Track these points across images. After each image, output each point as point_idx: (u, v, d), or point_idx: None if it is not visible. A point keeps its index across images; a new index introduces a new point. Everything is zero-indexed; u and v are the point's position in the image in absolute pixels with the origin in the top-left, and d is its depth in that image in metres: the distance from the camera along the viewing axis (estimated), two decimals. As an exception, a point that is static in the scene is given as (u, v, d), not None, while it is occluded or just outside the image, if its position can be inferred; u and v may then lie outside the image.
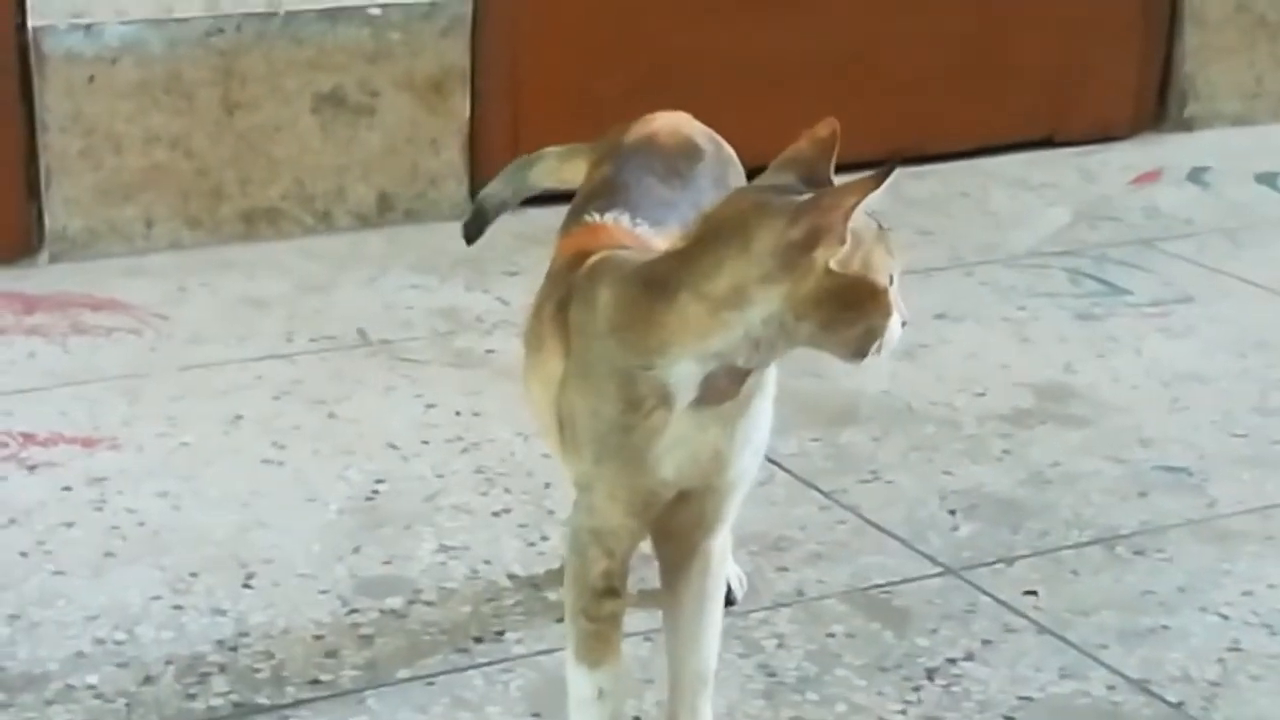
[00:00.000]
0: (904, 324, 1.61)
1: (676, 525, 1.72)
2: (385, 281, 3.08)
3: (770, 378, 1.68)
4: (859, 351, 1.59)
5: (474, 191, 3.38)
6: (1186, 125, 4.04)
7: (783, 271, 1.56)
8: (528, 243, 2.92)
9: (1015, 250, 3.31)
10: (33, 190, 3.08)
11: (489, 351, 2.80)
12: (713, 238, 1.60)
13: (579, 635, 1.71)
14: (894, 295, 1.60)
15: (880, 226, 1.60)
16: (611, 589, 1.69)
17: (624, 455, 1.63)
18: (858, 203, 1.54)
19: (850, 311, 1.57)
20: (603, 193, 1.86)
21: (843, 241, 1.55)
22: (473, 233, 2.18)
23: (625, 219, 1.81)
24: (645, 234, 1.79)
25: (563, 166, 2.08)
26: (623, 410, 1.62)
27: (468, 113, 3.34)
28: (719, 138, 2.00)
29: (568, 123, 3.39)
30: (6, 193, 3.07)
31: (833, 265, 1.55)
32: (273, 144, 3.21)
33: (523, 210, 3.27)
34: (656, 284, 1.62)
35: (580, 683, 1.71)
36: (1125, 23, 3.94)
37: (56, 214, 3.09)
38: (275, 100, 3.19)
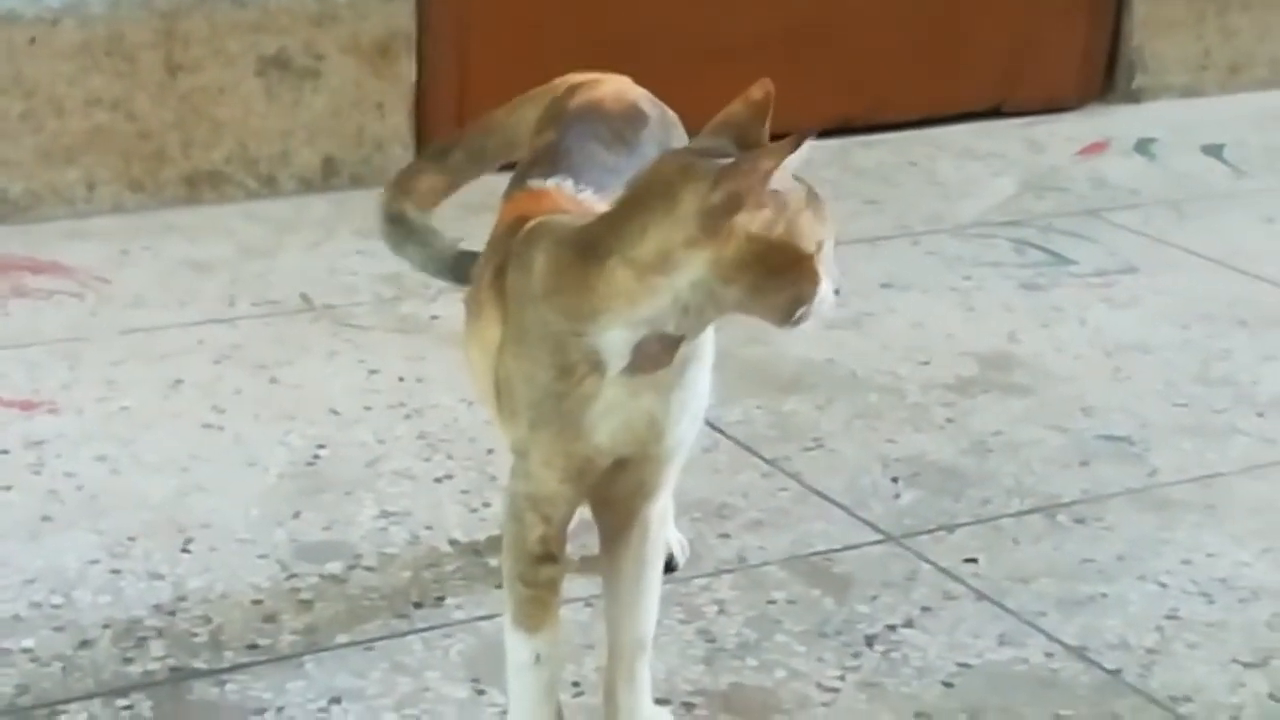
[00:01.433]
0: (836, 291, 1.60)
1: (615, 493, 1.71)
2: (329, 247, 3.06)
3: (707, 345, 1.67)
4: (788, 318, 1.58)
5: (420, 156, 3.38)
6: (1134, 97, 4.05)
7: (706, 236, 1.55)
8: (475, 210, 2.86)
9: (962, 220, 3.31)
10: (-28, 152, 3.06)
11: (433, 318, 2.78)
12: (639, 202, 1.59)
13: (517, 600, 1.70)
14: (823, 261, 1.59)
15: (811, 192, 1.59)
16: (549, 554, 1.68)
17: (558, 422, 1.62)
18: (774, 166, 1.53)
19: (775, 277, 1.56)
20: (546, 158, 1.84)
21: (763, 206, 1.54)
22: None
23: (569, 184, 1.79)
24: (589, 200, 1.78)
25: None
26: (555, 376, 1.61)
27: (414, 77, 3.32)
28: (663, 104, 1.99)
29: (515, 86, 3.38)
30: (-54, 154, 3.04)
31: (755, 230, 1.55)
32: (216, 107, 3.18)
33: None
34: (588, 248, 1.61)
35: (518, 648, 1.70)
36: (1074, -7, 3.94)
37: (-3, 176, 3.07)
38: (218, 63, 3.16)
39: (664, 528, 1.78)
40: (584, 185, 1.80)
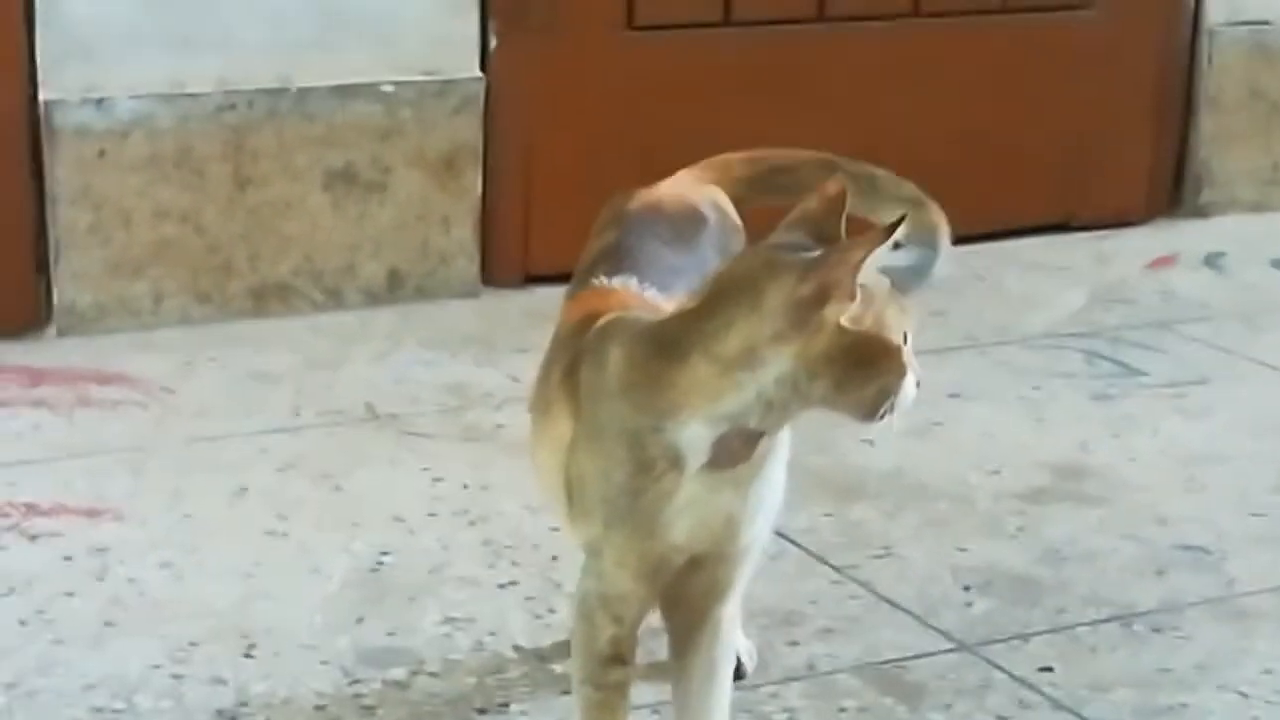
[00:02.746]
0: (918, 384, 1.59)
1: (687, 592, 1.68)
2: (394, 357, 3.06)
3: (784, 441, 1.65)
4: (872, 411, 1.56)
5: (485, 269, 3.39)
6: (1202, 211, 4.02)
7: (794, 329, 1.53)
8: (538, 319, 2.88)
9: (1030, 331, 3.29)
10: (41, 264, 3.07)
11: (498, 426, 2.77)
12: (723, 297, 1.58)
13: (585, 704, 1.68)
14: (907, 354, 1.57)
15: (892, 285, 1.58)
16: (619, 656, 1.66)
17: (634, 519, 1.60)
18: (866, 256, 1.51)
19: (863, 369, 1.55)
20: (609, 257, 1.84)
21: (853, 297, 1.52)
22: None
23: (633, 283, 1.79)
24: (653, 298, 1.77)
25: None
26: (633, 473, 1.59)
27: (479, 190, 3.33)
28: (724, 204, 1.99)
29: (579, 201, 3.38)
30: (15, 266, 3.06)
31: (844, 322, 1.53)
32: (283, 220, 3.20)
33: (532, 288, 3.32)
34: (667, 344, 1.59)
35: None
36: (1140, 108, 3.93)
37: (65, 288, 3.08)
38: (286, 176, 3.18)
39: (734, 631, 1.75)
40: (648, 284, 1.79)
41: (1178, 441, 2.79)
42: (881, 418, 1.57)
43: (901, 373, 1.56)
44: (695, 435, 1.57)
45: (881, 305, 1.55)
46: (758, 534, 1.65)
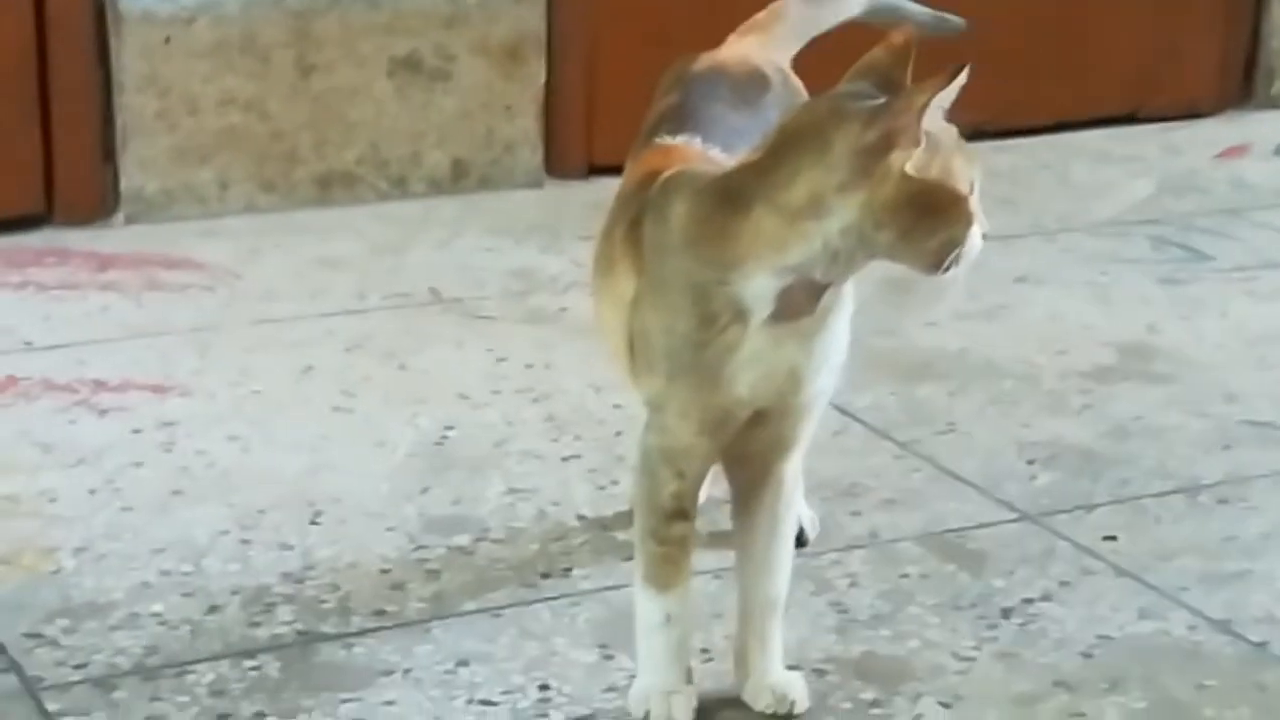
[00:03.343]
0: (984, 235, 1.58)
1: (750, 448, 1.69)
2: (459, 244, 3.06)
3: (848, 294, 1.64)
4: (938, 262, 1.55)
5: (549, 159, 3.38)
6: (1274, 102, 3.96)
7: (859, 177, 1.53)
8: (602, 209, 2.86)
9: (1098, 219, 3.26)
10: (108, 152, 3.09)
11: (562, 310, 2.77)
12: (787, 146, 1.57)
13: (648, 558, 1.68)
14: (973, 203, 1.56)
15: (959, 135, 1.57)
16: (682, 510, 1.66)
17: (698, 372, 1.60)
18: (929, 100, 1.50)
19: (930, 218, 1.54)
20: (673, 117, 1.83)
21: (918, 144, 1.51)
22: None
23: (697, 141, 1.78)
24: (717, 157, 1.76)
25: None
26: (697, 326, 1.59)
27: (543, 79, 3.32)
28: (787, 69, 1.98)
29: (643, 91, 3.36)
30: (83, 154, 3.07)
31: (910, 170, 1.52)
32: (348, 108, 3.20)
33: (596, 178, 3.31)
34: (731, 196, 1.59)
35: (648, 607, 1.69)
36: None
37: (132, 175, 3.09)
38: (350, 64, 3.18)
39: (798, 489, 1.75)
40: (712, 143, 1.78)
41: (1246, 322, 2.77)
42: (947, 270, 1.56)
43: (968, 222, 1.55)
44: (760, 287, 1.57)
45: (948, 154, 1.54)
46: (821, 388, 1.65)
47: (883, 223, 1.53)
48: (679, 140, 1.78)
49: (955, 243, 1.54)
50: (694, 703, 1.72)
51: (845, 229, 1.54)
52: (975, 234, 1.56)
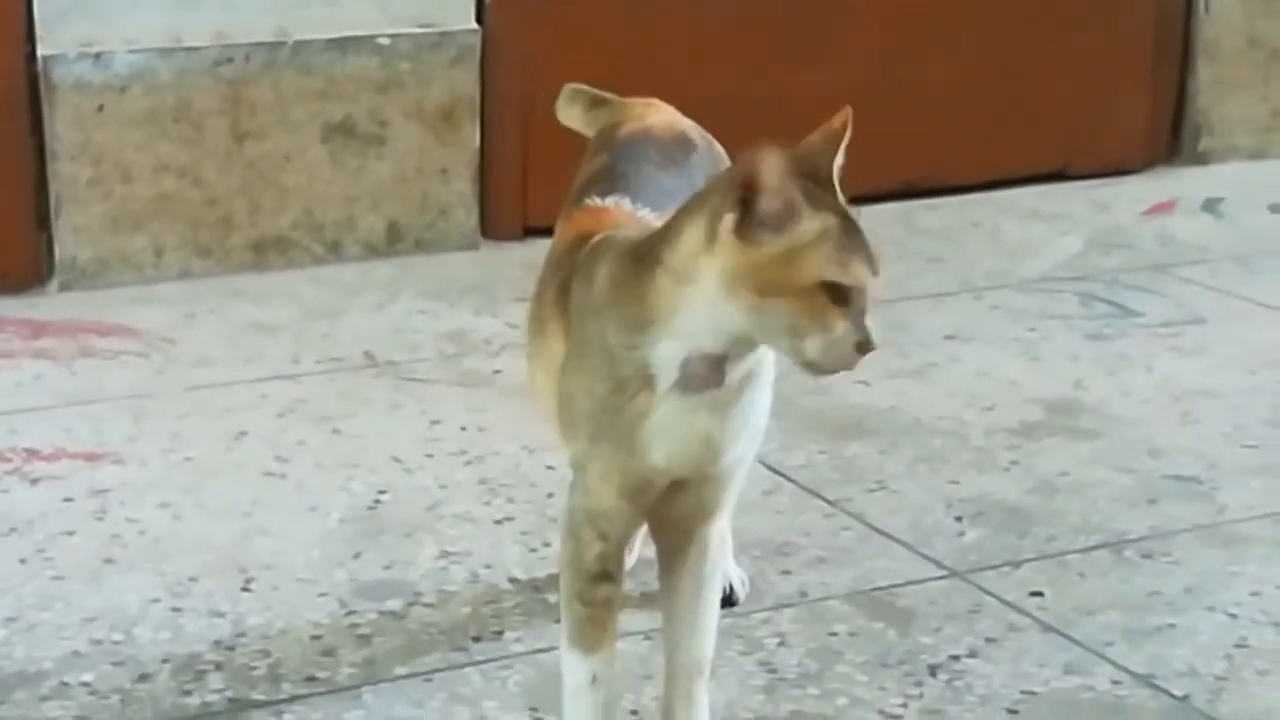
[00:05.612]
0: (867, 346, 1.50)
1: (674, 513, 1.69)
2: (394, 307, 3.08)
3: (766, 367, 1.64)
4: (796, 353, 1.51)
5: (484, 221, 3.40)
6: (1201, 159, 4.03)
7: (708, 241, 1.54)
8: (536, 270, 2.90)
9: (1027, 276, 3.30)
10: (42, 219, 3.10)
11: (496, 372, 2.79)
12: (683, 210, 1.59)
13: (573, 620, 1.69)
14: (845, 305, 1.50)
15: (850, 230, 1.51)
16: (606, 573, 1.67)
17: (614, 436, 1.61)
18: (754, 174, 1.50)
19: (770, 300, 1.50)
20: (602, 179, 1.85)
21: (763, 221, 1.50)
22: None
23: (626, 202, 1.80)
24: (647, 218, 1.78)
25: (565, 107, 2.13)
26: (611, 390, 1.60)
27: (477, 142, 3.34)
28: (710, 136, 2.00)
29: (577, 153, 3.39)
30: (16, 222, 3.08)
31: (744, 241, 1.50)
32: (282, 173, 3.22)
33: (530, 239, 3.33)
34: (641, 258, 1.60)
35: (574, 668, 1.69)
36: (1137, 58, 3.93)
37: (66, 243, 3.10)
38: (284, 129, 3.20)
39: (723, 551, 1.76)
40: (641, 204, 1.79)
41: (1172, 378, 2.80)
42: (817, 369, 1.51)
43: (811, 316, 1.50)
44: (663, 353, 1.56)
45: (805, 237, 1.50)
46: (741, 456, 1.66)
47: (732, 294, 1.51)
48: (609, 201, 1.80)
49: (799, 333, 1.50)
50: None
51: (711, 297, 1.53)
52: (842, 333, 1.50)
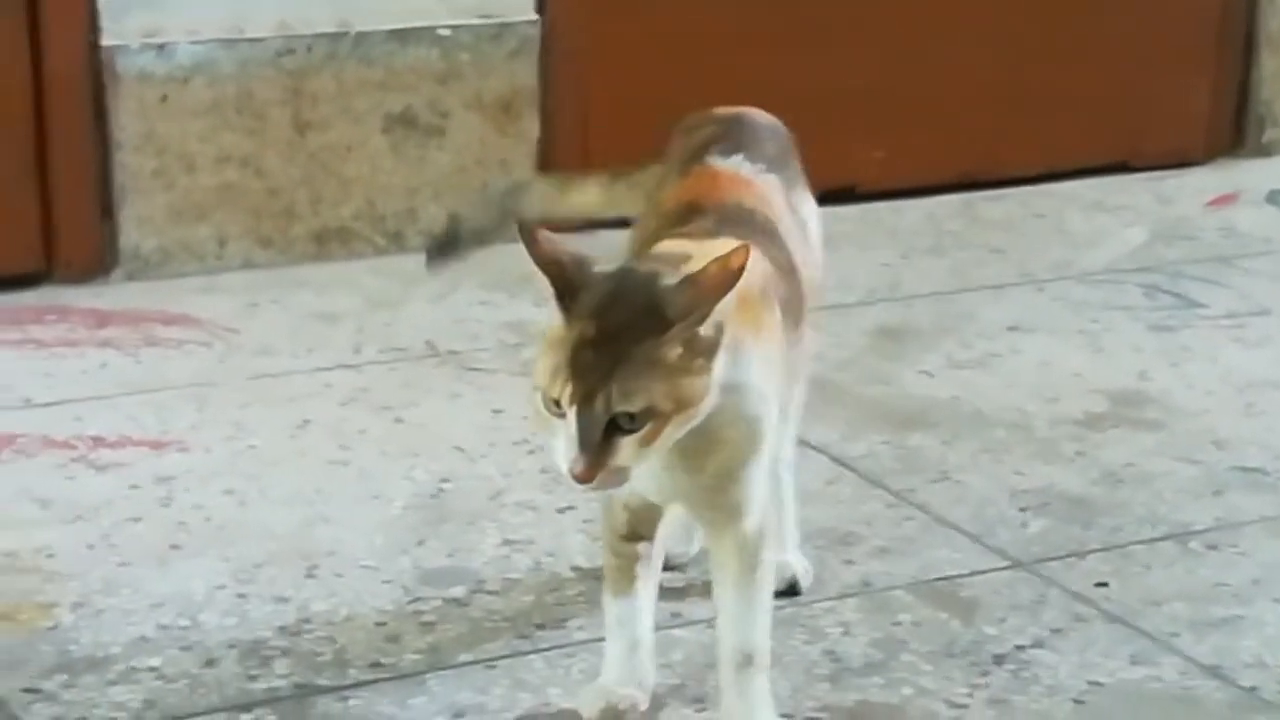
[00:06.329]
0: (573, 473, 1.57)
1: (698, 514, 1.78)
2: (454, 298, 3.08)
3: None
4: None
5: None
6: (1265, 151, 3.99)
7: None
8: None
9: (1090, 267, 3.28)
10: (107, 210, 3.11)
11: (557, 362, 2.79)
12: None
13: (606, 568, 1.81)
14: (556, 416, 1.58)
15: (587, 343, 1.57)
16: (633, 534, 1.78)
17: None
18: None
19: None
20: (719, 141, 1.91)
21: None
22: (437, 257, 2.19)
23: (744, 162, 1.88)
24: (764, 178, 1.88)
25: (562, 195, 2.12)
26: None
27: (537, 133, 3.35)
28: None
29: (636, 143, 3.40)
30: (81, 212, 3.09)
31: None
32: (344, 164, 3.22)
33: (590, 230, 3.32)
34: None
35: (607, 609, 1.82)
36: (1201, 49, 3.90)
37: (130, 233, 3.11)
38: (346, 120, 3.21)
39: (767, 545, 1.75)
40: (760, 163, 1.89)
41: (1236, 369, 2.79)
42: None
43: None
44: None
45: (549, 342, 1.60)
46: (721, 468, 1.67)
47: None
48: (731, 162, 1.88)
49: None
50: (640, 706, 1.80)
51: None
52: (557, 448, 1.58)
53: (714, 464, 1.66)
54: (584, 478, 1.55)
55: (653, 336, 1.55)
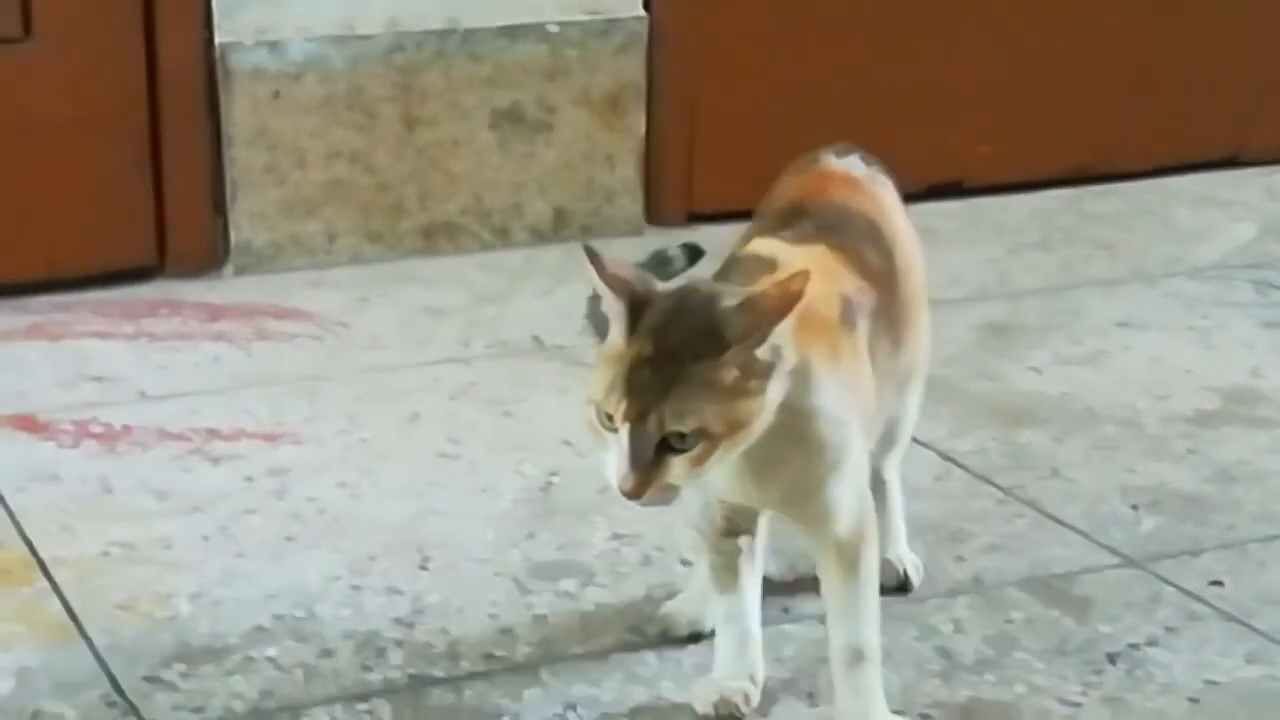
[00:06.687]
0: (623, 490, 1.59)
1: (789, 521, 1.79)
2: (560, 293, 3.09)
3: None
4: None
5: (649, 207, 3.41)
6: (1377, 145, 3.94)
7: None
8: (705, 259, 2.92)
9: (1200, 263, 3.25)
10: (219, 204, 3.15)
11: (664, 357, 2.79)
12: None
13: (709, 566, 1.84)
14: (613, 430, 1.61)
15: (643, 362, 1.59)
16: (731, 531, 1.81)
17: None
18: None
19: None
20: (835, 148, 1.94)
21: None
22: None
23: (860, 164, 1.91)
24: (878, 179, 1.91)
25: None
26: None
27: (644, 129, 3.35)
28: None
29: (743, 139, 3.41)
30: (194, 207, 3.13)
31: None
32: (451, 160, 3.25)
33: (695, 226, 3.34)
34: None
35: (716, 605, 1.85)
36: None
37: (241, 227, 3.15)
38: (454, 116, 3.23)
39: (863, 542, 1.74)
40: (874, 165, 1.92)
41: (1352, 367, 2.76)
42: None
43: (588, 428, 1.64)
44: None
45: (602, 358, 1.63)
46: (799, 485, 1.68)
47: None
48: (845, 160, 1.91)
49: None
50: (753, 700, 1.81)
51: None
52: (610, 462, 1.61)
53: (781, 481, 1.68)
54: (633, 494, 1.58)
55: (709, 358, 1.56)
